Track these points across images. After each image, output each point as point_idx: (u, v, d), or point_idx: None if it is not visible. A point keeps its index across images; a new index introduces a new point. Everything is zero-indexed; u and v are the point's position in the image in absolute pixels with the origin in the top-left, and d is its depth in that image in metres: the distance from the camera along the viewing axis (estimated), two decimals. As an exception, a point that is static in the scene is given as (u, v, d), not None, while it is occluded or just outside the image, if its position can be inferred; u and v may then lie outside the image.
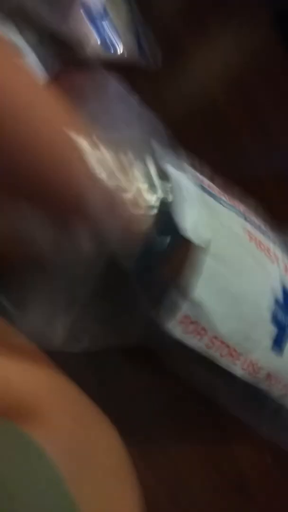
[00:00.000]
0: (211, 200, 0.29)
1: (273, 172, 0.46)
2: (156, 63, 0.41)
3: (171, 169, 0.25)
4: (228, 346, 0.26)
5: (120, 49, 0.37)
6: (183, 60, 0.46)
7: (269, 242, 0.33)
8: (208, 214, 0.26)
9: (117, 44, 0.37)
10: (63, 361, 0.21)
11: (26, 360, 0.20)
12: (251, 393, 0.30)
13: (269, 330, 0.29)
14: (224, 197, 0.31)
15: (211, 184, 0.31)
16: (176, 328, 0.23)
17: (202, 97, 0.47)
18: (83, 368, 0.27)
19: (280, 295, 0.30)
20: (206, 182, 0.30)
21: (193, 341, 0.24)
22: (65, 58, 0.34)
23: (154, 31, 0.42)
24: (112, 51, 0.37)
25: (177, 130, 0.41)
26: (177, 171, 0.27)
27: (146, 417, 0.31)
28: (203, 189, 0.29)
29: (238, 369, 0.27)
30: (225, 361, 0.26)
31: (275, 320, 0.29)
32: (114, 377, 0.30)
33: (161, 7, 0.46)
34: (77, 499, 0.16)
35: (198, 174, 0.31)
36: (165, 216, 0.22)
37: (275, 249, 0.33)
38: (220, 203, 0.30)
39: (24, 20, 0.31)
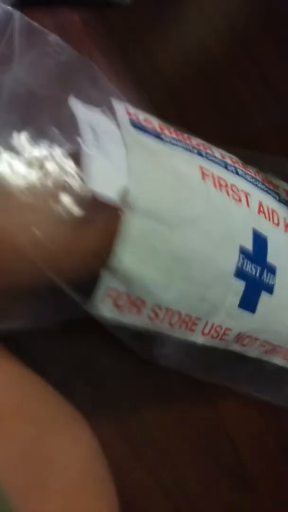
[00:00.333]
0: (145, 139, 0.23)
1: (273, 123, 0.40)
2: None
3: (81, 112, 0.20)
4: (179, 313, 0.22)
5: None
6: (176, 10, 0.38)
7: (235, 178, 0.27)
8: (140, 157, 0.21)
9: None
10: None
11: None
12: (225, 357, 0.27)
13: (234, 286, 0.24)
14: (166, 131, 0.25)
15: (150, 119, 0.25)
16: (104, 308, 0.19)
17: (197, 52, 0.40)
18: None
19: (248, 243, 0.25)
20: (142, 117, 0.24)
21: (130, 318, 0.20)
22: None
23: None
24: None
25: (172, 91, 0.36)
26: (92, 113, 0.21)
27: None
28: (135, 125, 0.23)
29: (197, 336, 0.23)
30: (178, 331, 0.22)
31: (242, 273, 0.24)
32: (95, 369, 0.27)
33: None
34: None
35: (132, 109, 0.25)
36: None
37: (243, 185, 0.27)
38: (161, 140, 0.24)
39: None
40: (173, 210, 0.21)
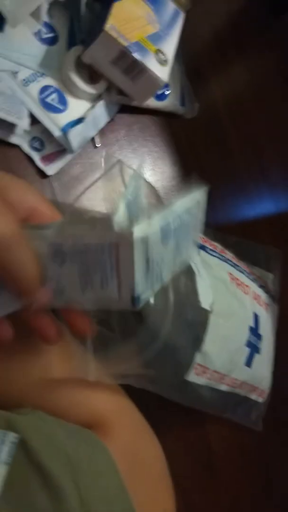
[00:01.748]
0: (206, 255, 0.35)
1: (265, 215, 0.54)
2: (191, 113, 0.48)
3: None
4: (219, 373, 0.34)
5: (168, 101, 0.44)
6: (209, 109, 0.51)
7: (241, 275, 0.40)
8: (208, 275, 0.32)
9: (167, 97, 0.44)
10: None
11: (106, 389, 0.26)
12: (222, 398, 0.39)
13: (245, 352, 0.37)
14: (208, 244, 0.37)
15: (201, 236, 0.37)
16: (191, 375, 0.30)
17: (221, 142, 0.52)
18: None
19: (252, 322, 0.39)
20: (200, 237, 0.36)
21: (200, 380, 0.31)
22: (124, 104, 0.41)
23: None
24: (162, 102, 0.44)
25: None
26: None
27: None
28: (199, 246, 0.34)
29: (223, 386, 0.36)
30: (216, 384, 0.34)
31: (249, 343, 0.37)
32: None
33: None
34: (130, 493, 0.23)
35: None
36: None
37: (246, 280, 0.40)
38: (211, 254, 0.36)
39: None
40: (226, 308, 0.33)
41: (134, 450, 0.26)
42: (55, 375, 0.26)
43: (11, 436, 0.20)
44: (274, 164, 0.57)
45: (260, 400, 0.44)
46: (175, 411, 0.42)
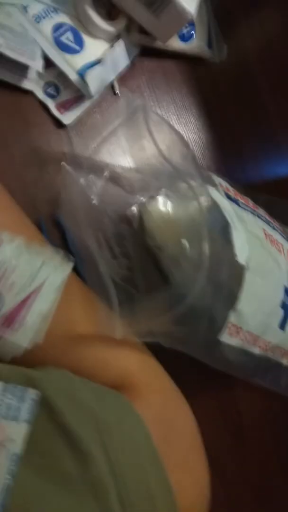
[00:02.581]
0: (238, 209, 0.32)
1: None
2: (219, 56, 0.44)
3: (212, 192, 0.28)
4: (252, 334, 0.32)
5: (193, 42, 0.40)
6: (239, 52, 0.47)
7: (275, 233, 0.37)
8: (243, 229, 0.29)
9: (193, 38, 0.40)
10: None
11: (134, 348, 0.25)
12: (254, 361, 0.37)
13: (279, 313, 0.34)
14: (240, 198, 0.34)
15: (229, 187, 0.34)
16: (224, 335, 0.27)
17: (250, 89, 0.48)
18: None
19: (287, 282, 0.36)
20: (231, 190, 0.33)
21: (233, 340, 0.29)
22: (145, 45, 0.38)
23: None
24: (187, 44, 0.40)
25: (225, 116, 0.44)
26: (212, 188, 0.29)
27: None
28: (231, 199, 0.31)
29: (255, 348, 0.33)
30: (249, 346, 0.32)
31: (283, 305, 0.35)
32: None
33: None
34: (162, 459, 0.21)
35: (223, 183, 0.33)
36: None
37: (280, 238, 0.37)
38: (240, 206, 0.33)
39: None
40: (261, 265, 0.30)
41: (165, 416, 0.24)
42: (79, 331, 0.24)
43: (31, 393, 0.18)
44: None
45: (292, 366, 0.42)
46: (204, 376, 0.41)
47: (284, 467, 0.45)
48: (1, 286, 0.21)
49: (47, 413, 0.19)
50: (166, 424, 0.23)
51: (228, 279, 0.26)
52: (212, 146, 0.44)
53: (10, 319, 0.22)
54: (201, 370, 0.39)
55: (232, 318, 0.27)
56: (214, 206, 0.29)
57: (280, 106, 0.50)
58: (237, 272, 0.26)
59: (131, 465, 0.20)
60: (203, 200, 0.28)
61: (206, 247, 0.24)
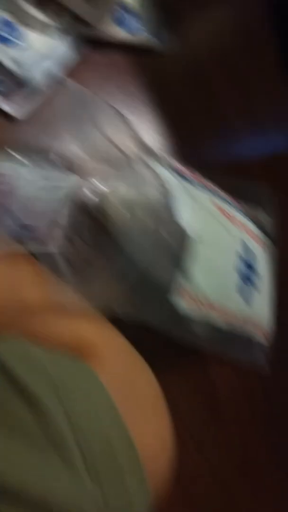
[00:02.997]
0: (183, 181, 0.33)
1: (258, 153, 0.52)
2: (166, 46, 0.45)
3: (154, 165, 0.29)
4: (212, 304, 0.32)
5: (141, 33, 0.42)
6: (186, 42, 0.48)
7: (229, 207, 0.38)
8: (190, 202, 0.30)
9: (137, 27, 0.42)
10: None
11: (91, 318, 0.26)
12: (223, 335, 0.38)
13: (239, 284, 0.35)
14: (189, 173, 0.35)
15: (177, 164, 0.35)
16: (179, 300, 0.28)
17: (199, 76, 0.49)
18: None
19: (244, 253, 0.37)
20: (173, 163, 0.34)
21: (190, 307, 0.30)
22: (88, 36, 0.38)
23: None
24: (134, 34, 0.41)
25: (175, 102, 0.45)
26: (156, 163, 0.30)
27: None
28: (176, 172, 0.32)
29: (219, 319, 0.34)
30: (210, 316, 0.33)
31: (242, 276, 0.36)
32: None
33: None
34: (123, 415, 0.21)
35: (168, 157, 0.34)
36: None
37: (234, 213, 0.38)
38: (189, 181, 0.34)
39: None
40: (210, 234, 0.31)
41: (124, 377, 0.25)
42: (32, 303, 0.25)
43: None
44: (263, 103, 0.55)
45: (264, 341, 0.43)
46: (176, 353, 0.41)
47: (264, 439, 0.46)
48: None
49: (1, 373, 0.19)
50: (125, 384, 0.24)
51: (174, 244, 0.27)
52: (166, 134, 0.45)
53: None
54: (172, 348, 0.40)
55: (183, 283, 0.28)
56: (160, 181, 0.30)
57: (233, 94, 0.52)
58: (185, 239, 0.27)
59: (89, 417, 0.20)
60: (149, 177, 0.30)
61: (152, 220, 0.25)
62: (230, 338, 0.39)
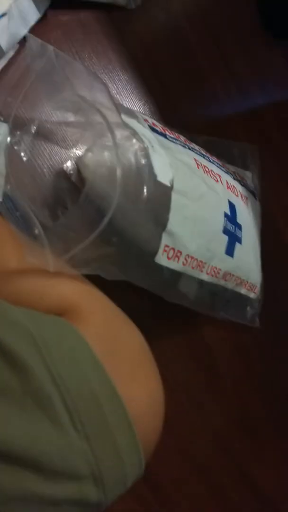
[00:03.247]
0: (162, 138, 0.32)
1: (238, 111, 0.51)
2: (135, 2, 0.43)
3: (129, 120, 0.28)
4: (196, 259, 0.32)
5: None
6: None
7: (210, 164, 0.38)
8: (166, 154, 0.30)
9: None
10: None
11: (71, 277, 0.26)
12: (210, 292, 0.38)
13: (223, 239, 0.35)
14: (167, 132, 0.35)
15: (156, 123, 0.34)
16: (161, 257, 0.28)
17: (173, 34, 0.47)
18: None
19: (227, 209, 0.37)
20: (151, 121, 0.33)
21: (174, 264, 0.30)
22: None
23: None
24: None
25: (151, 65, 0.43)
26: (132, 120, 0.29)
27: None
28: (154, 130, 0.32)
29: (204, 275, 0.34)
30: (195, 272, 0.33)
31: (226, 230, 0.36)
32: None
33: None
34: (108, 371, 0.21)
35: (144, 116, 0.33)
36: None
37: (216, 169, 0.38)
38: (168, 139, 0.33)
39: None
40: (192, 189, 0.31)
41: (108, 333, 0.25)
42: (11, 267, 0.24)
43: None
44: (239, 59, 0.53)
45: (252, 295, 0.43)
46: (168, 317, 0.42)
47: (261, 397, 0.47)
48: None
49: None
50: (109, 341, 0.24)
51: (151, 198, 0.26)
52: (142, 95, 0.44)
53: None
54: (164, 312, 0.40)
55: (166, 240, 0.28)
56: (139, 139, 0.29)
57: (207, 50, 0.50)
58: (161, 192, 0.27)
59: (73, 374, 0.20)
60: (129, 137, 0.29)
61: (119, 170, 0.24)
62: (218, 296, 0.40)
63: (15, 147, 0.34)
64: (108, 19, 0.42)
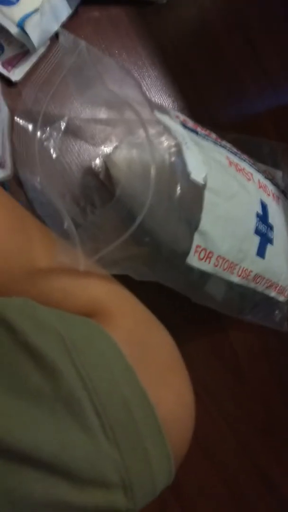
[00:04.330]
0: (194, 135, 0.31)
1: (269, 108, 0.50)
2: None
3: (161, 117, 0.27)
4: (228, 261, 0.31)
5: None
6: None
7: (242, 162, 0.36)
8: (199, 151, 0.29)
9: None
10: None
11: (101, 278, 0.25)
12: (239, 295, 0.37)
13: (254, 240, 0.34)
14: (200, 129, 0.34)
15: (187, 119, 0.33)
16: (193, 258, 0.27)
17: (204, 33, 0.46)
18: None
19: (259, 208, 0.35)
20: (183, 118, 0.33)
21: (205, 265, 0.29)
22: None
23: None
24: None
25: (181, 61, 0.43)
26: (164, 116, 0.28)
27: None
28: (185, 127, 0.31)
29: (235, 277, 0.33)
30: (226, 274, 0.32)
31: (258, 231, 0.34)
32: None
33: None
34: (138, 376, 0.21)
35: (176, 113, 0.33)
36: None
37: (248, 168, 0.37)
38: (199, 136, 0.33)
39: None
40: (224, 188, 0.30)
41: (138, 337, 0.24)
42: (42, 267, 0.24)
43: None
44: (270, 54, 0.52)
45: (282, 299, 0.42)
46: (195, 320, 0.41)
47: (284, 397, 0.46)
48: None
49: (8, 333, 0.19)
50: (140, 344, 0.24)
51: (185, 197, 0.25)
52: (171, 92, 0.43)
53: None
54: (191, 314, 0.40)
55: (198, 240, 0.27)
56: (171, 136, 0.28)
57: (238, 47, 0.49)
58: (194, 190, 0.26)
59: (104, 379, 0.20)
60: (161, 134, 0.28)
61: (153, 169, 0.23)
62: (247, 299, 0.38)
63: (45, 143, 0.34)
64: (138, 15, 0.42)
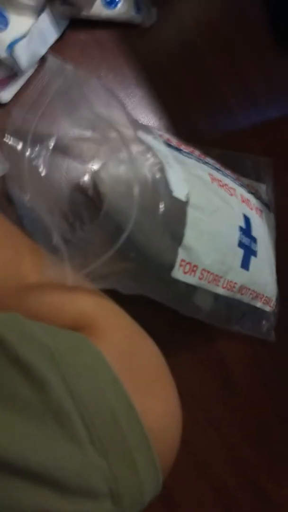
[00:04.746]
0: (177, 153, 0.32)
1: (252, 124, 0.51)
2: (150, 20, 0.45)
3: (144, 137, 0.28)
4: (212, 274, 0.32)
5: (119, 8, 0.41)
6: (171, 15, 0.47)
7: (225, 178, 0.38)
8: (181, 169, 0.30)
9: (119, 4, 0.41)
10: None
11: (89, 292, 0.26)
12: (226, 306, 0.38)
13: (238, 253, 0.35)
14: (182, 147, 0.35)
15: (171, 138, 0.35)
16: (178, 272, 0.28)
17: (187, 50, 0.48)
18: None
19: (242, 222, 0.37)
20: (166, 136, 0.34)
21: (190, 279, 0.30)
22: (72, 16, 0.38)
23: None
24: (113, 10, 0.41)
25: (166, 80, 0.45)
26: (147, 136, 0.30)
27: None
28: (169, 145, 0.32)
29: (220, 289, 0.34)
30: (211, 286, 0.33)
31: (241, 244, 0.36)
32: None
33: None
34: (125, 387, 0.21)
35: (159, 132, 0.34)
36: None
37: (231, 183, 0.38)
38: (183, 154, 0.34)
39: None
40: (207, 203, 0.31)
41: (125, 350, 0.25)
42: (30, 281, 0.25)
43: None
44: (254, 73, 0.54)
45: (268, 309, 0.43)
46: (183, 332, 0.42)
47: (278, 411, 0.46)
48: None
49: None
50: (127, 356, 0.24)
51: (168, 214, 0.26)
52: (157, 110, 0.45)
53: None
54: (179, 327, 0.40)
55: (182, 254, 0.28)
56: (154, 155, 0.29)
57: (222, 65, 0.51)
58: (177, 206, 0.27)
59: (91, 390, 0.20)
60: (144, 152, 0.29)
61: (135, 186, 0.24)
62: (234, 310, 0.39)
63: (34, 161, 0.35)
64: (123, 37, 0.43)
